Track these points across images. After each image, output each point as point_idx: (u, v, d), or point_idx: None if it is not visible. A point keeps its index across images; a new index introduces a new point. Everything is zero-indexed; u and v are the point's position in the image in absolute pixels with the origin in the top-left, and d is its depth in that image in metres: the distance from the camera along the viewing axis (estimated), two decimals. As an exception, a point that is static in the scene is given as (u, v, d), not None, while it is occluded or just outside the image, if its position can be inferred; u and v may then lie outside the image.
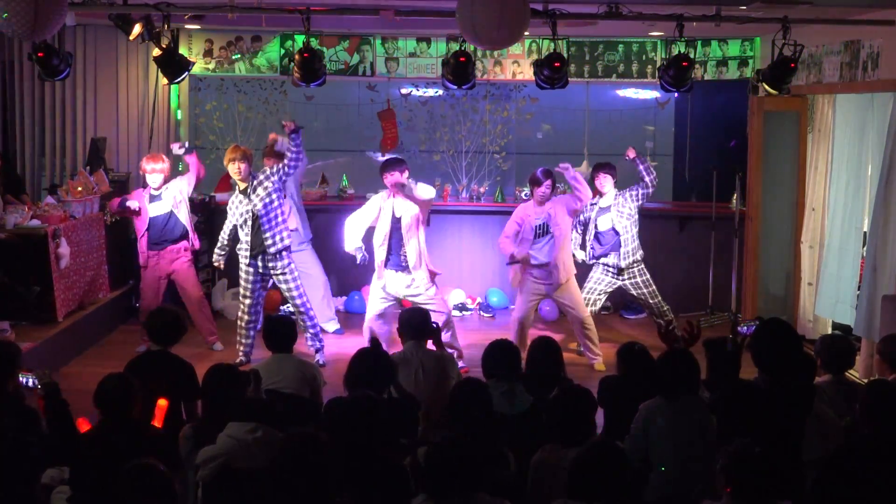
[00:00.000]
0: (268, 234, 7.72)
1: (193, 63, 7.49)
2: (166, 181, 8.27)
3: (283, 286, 7.87)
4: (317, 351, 7.97)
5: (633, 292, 8.36)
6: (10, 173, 9.02)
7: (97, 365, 7.67)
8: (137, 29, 7.01)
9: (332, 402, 4.58)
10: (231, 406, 4.46)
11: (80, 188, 8.45)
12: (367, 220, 7.78)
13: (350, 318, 9.64)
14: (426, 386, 5.53)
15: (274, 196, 7.76)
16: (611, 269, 8.30)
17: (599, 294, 8.39)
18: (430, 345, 5.89)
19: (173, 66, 7.11)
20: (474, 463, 3.74)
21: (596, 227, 8.27)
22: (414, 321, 5.87)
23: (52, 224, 7.78)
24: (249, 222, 7.74)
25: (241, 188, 7.77)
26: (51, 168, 9.96)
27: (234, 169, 7.68)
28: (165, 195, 8.21)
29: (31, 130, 9.92)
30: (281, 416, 4.48)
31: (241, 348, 7.89)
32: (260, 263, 7.79)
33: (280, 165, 7.79)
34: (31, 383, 4.73)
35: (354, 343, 7.77)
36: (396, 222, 7.65)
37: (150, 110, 9.92)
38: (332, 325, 9.06)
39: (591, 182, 8.32)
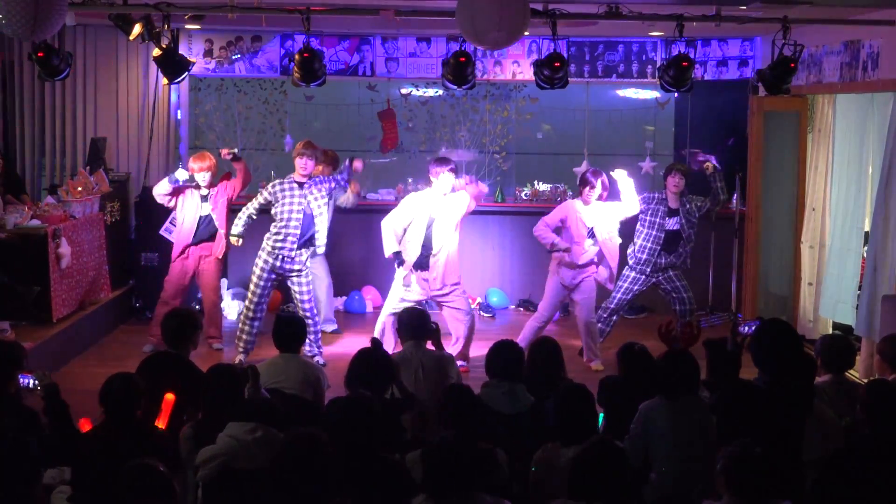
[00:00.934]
0: (306, 235, 7.77)
1: (193, 63, 7.49)
2: (213, 179, 8.33)
3: (296, 288, 7.84)
4: (314, 356, 7.96)
5: (667, 286, 8.27)
6: (10, 173, 9.02)
7: (97, 365, 7.68)
8: (137, 29, 7.01)
9: (331, 403, 4.58)
10: (231, 406, 4.46)
11: (80, 188, 8.45)
12: (403, 221, 7.76)
13: (350, 318, 9.64)
14: (426, 386, 5.53)
15: (322, 200, 7.85)
16: (652, 270, 8.21)
17: (634, 294, 8.37)
18: (429, 345, 5.90)
19: (173, 66, 7.11)
20: (473, 463, 3.74)
21: (664, 228, 8.14)
22: (413, 321, 5.87)
23: (52, 224, 7.78)
24: (296, 217, 7.72)
25: (298, 181, 7.80)
26: (51, 168, 9.96)
27: (301, 164, 7.77)
28: (211, 198, 8.29)
29: (31, 130, 9.91)
30: (281, 416, 4.47)
31: (242, 346, 7.87)
32: (278, 263, 7.75)
33: (332, 183, 7.94)
34: (30, 384, 4.73)
35: (355, 343, 7.79)
36: (431, 223, 7.69)
37: (150, 110, 9.92)
38: (329, 326, 9.07)
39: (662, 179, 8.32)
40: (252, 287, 7.86)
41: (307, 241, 7.83)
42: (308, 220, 7.78)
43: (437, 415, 4.63)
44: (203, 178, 8.23)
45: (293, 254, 7.76)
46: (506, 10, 5.87)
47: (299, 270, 7.83)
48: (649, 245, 8.15)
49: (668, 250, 8.18)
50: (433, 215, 7.68)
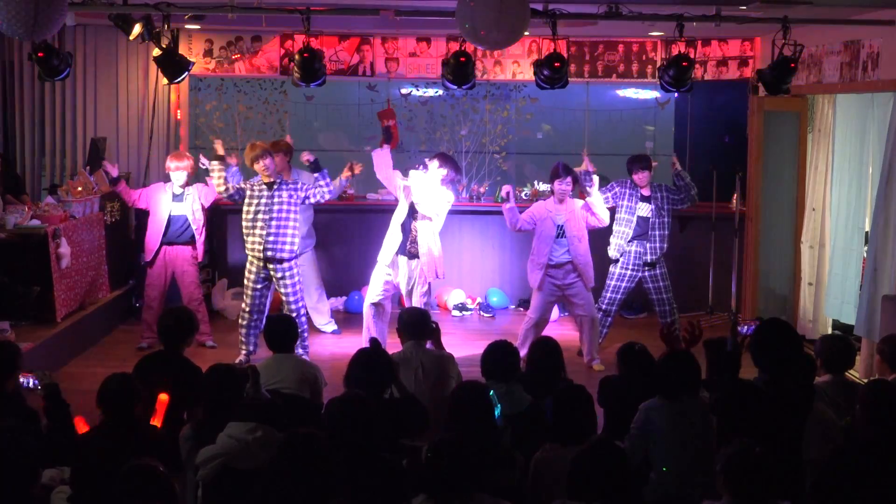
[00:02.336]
0: (272, 239, 7.65)
1: (193, 63, 7.49)
2: (190, 180, 8.30)
3: (282, 290, 7.81)
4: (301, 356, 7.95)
5: (651, 285, 8.30)
6: (10, 173, 9.02)
7: (97, 365, 7.68)
8: (137, 29, 7.01)
9: (329, 403, 4.57)
10: (231, 406, 4.46)
11: (80, 188, 8.46)
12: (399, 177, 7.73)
13: (350, 318, 9.63)
14: (426, 386, 5.53)
15: (293, 207, 7.72)
16: (634, 263, 8.24)
17: (623, 292, 8.36)
18: (428, 345, 5.89)
19: (173, 66, 7.11)
20: (474, 463, 3.74)
21: (636, 213, 8.19)
22: (413, 321, 5.86)
23: (52, 224, 7.78)
24: (262, 218, 7.65)
25: (267, 182, 7.70)
26: (51, 168, 9.96)
27: (261, 167, 7.62)
28: (187, 198, 8.25)
29: (31, 130, 9.92)
30: (281, 416, 4.47)
31: (243, 349, 7.88)
32: (262, 265, 7.74)
33: (312, 191, 7.75)
34: (31, 384, 4.73)
35: (355, 343, 7.79)
36: (412, 206, 7.64)
37: (150, 110, 9.92)
38: (329, 327, 9.07)
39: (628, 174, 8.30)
40: (245, 291, 7.87)
41: (268, 245, 7.66)
42: (270, 224, 7.62)
43: (449, 413, 4.62)
44: (178, 177, 8.22)
45: (267, 255, 7.67)
46: (506, 11, 5.86)
47: (282, 276, 7.73)
48: (622, 229, 8.22)
49: (642, 238, 8.20)
50: (415, 201, 7.65)
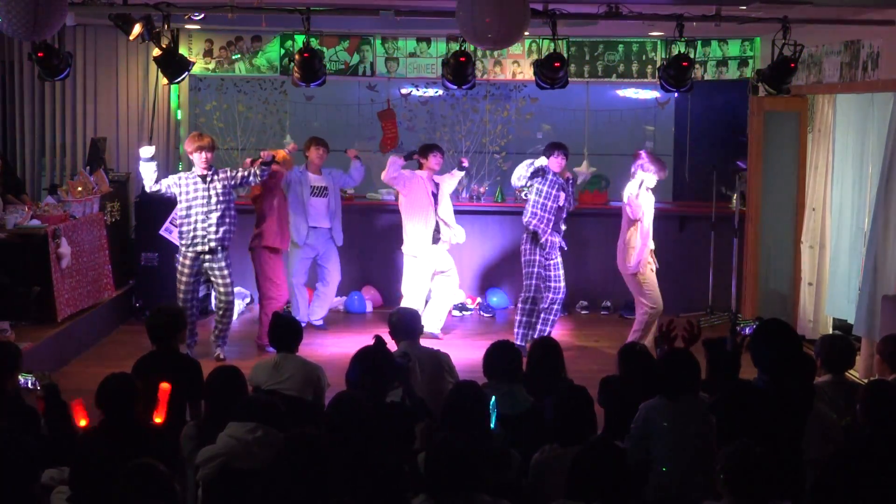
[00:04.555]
0: (212, 229, 7.79)
1: (193, 63, 7.50)
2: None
3: (219, 281, 7.95)
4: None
5: (546, 272, 8.41)
6: (10, 173, 9.02)
7: (97, 365, 7.67)
8: (137, 29, 7.01)
9: (332, 399, 4.56)
10: (233, 407, 4.45)
11: (80, 188, 8.46)
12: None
13: (350, 318, 9.64)
14: (423, 385, 5.53)
15: (228, 197, 7.92)
16: (547, 246, 8.35)
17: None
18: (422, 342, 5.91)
19: (173, 66, 7.12)
20: (474, 463, 3.74)
21: (558, 201, 8.26)
22: (404, 322, 5.86)
23: (52, 224, 7.79)
24: (200, 210, 7.78)
25: (201, 175, 7.84)
26: (51, 168, 9.96)
27: (202, 158, 7.79)
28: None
29: (31, 130, 9.92)
30: (282, 416, 4.46)
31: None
32: (196, 256, 7.85)
33: (243, 174, 7.91)
34: (30, 384, 4.73)
35: (355, 343, 7.77)
36: (433, 197, 8.22)
37: (150, 110, 9.92)
38: (318, 321, 9.12)
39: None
40: (178, 285, 7.91)
41: (209, 232, 7.83)
42: (213, 211, 7.81)
43: (443, 414, 4.60)
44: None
45: (200, 246, 7.84)
46: (505, 10, 5.86)
47: (218, 268, 7.89)
48: (545, 216, 8.16)
49: (556, 228, 8.24)
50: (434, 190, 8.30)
